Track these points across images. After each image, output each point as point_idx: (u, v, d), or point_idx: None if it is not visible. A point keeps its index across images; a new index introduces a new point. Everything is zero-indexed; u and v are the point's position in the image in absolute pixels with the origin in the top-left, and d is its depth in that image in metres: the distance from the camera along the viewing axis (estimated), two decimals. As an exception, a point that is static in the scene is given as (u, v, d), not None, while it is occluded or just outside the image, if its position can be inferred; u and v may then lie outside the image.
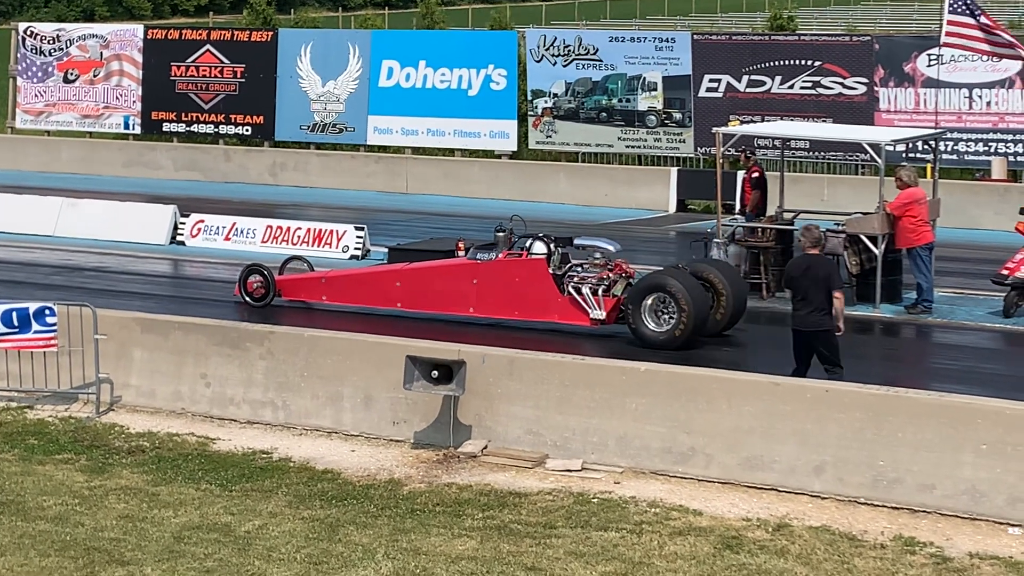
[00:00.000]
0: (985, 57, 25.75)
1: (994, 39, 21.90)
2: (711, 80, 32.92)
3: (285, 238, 25.58)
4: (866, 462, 13.27)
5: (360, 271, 20.92)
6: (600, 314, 18.45)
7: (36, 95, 40.01)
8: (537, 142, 35.12)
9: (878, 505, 13.17)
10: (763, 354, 18.28)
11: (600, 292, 18.49)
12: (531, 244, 18.91)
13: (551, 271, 18.72)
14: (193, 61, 38.23)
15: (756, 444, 13.71)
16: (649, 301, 17.96)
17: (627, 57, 33.88)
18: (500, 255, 19.01)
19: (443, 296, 19.24)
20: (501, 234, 19.10)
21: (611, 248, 18.99)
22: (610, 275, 18.61)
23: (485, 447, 14.72)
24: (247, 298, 20.55)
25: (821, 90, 31.86)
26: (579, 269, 18.79)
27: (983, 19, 21.93)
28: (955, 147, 30.59)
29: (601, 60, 34.14)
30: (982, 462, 12.84)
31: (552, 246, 18.88)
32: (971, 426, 12.94)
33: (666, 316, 17.86)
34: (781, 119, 30.46)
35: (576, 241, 19.35)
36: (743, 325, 19.12)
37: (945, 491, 12.98)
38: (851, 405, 13.43)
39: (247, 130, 37.86)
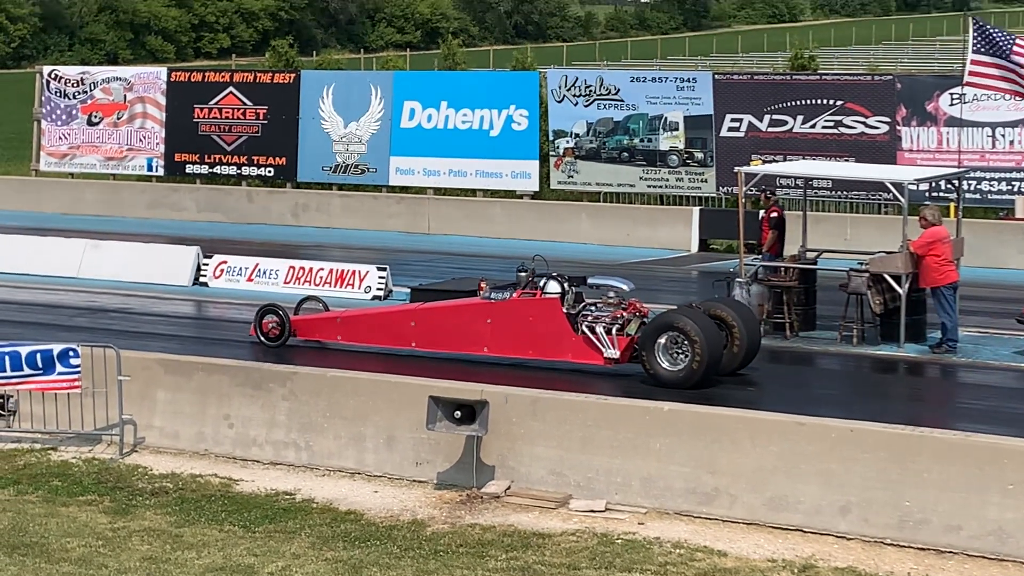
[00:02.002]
0: (1008, 96, 25.66)
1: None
2: (733, 120, 32.95)
3: (308, 279, 25.60)
4: (892, 503, 13.19)
5: (375, 311, 20.94)
6: (614, 353, 18.42)
7: (60, 138, 40.24)
8: (559, 182, 35.17)
9: (904, 546, 13.09)
10: (783, 393, 18.22)
11: (614, 331, 18.46)
12: (545, 283, 18.91)
13: (565, 310, 18.71)
14: (216, 103, 38.43)
15: (781, 484, 13.64)
16: (663, 340, 17.90)
17: (648, 97, 33.94)
18: (514, 294, 19.01)
19: (457, 336, 19.25)
20: (523, 274, 19.11)
21: (625, 287, 18.97)
22: (624, 314, 18.58)
23: (508, 487, 14.68)
24: (262, 338, 20.57)
25: (843, 129, 31.86)
26: (593, 308, 18.77)
27: (1016, 49, 21.60)
28: (978, 186, 30.55)
29: (622, 100, 34.21)
30: (1009, 502, 12.75)
31: (566, 285, 18.86)
32: (997, 466, 12.87)
33: (680, 355, 17.81)
34: (803, 158, 30.46)
35: (590, 280, 19.34)
36: (762, 364, 19.06)
37: (971, 532, 12.89)
38: (876, 445, 13.37)
39: (270, 171, 37.99)
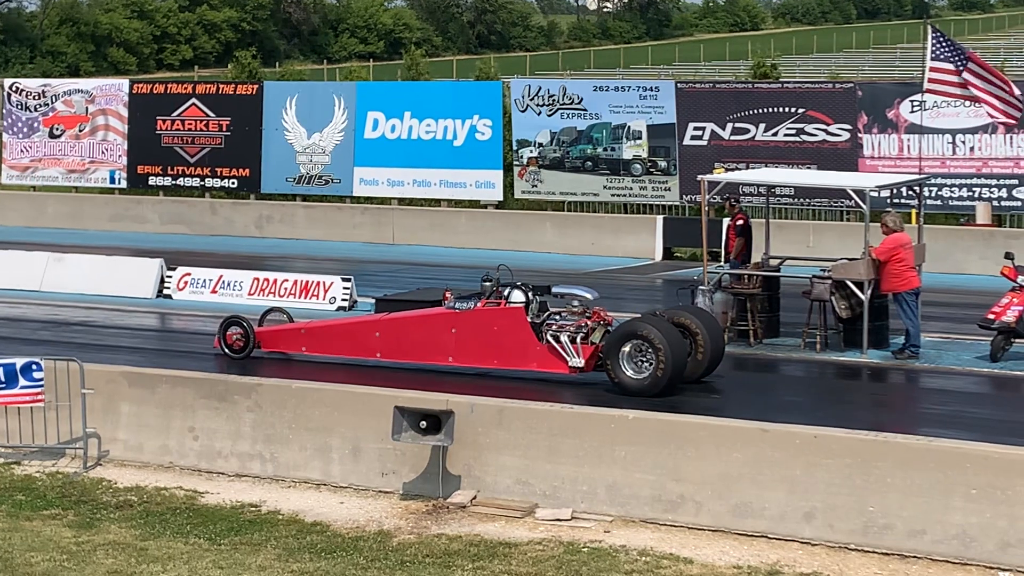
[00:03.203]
0: (968, 103, 25.82)
1: (982, 85, 21.81)
2: (695, 128, 33.07)
3: (272, 290, 25.56)
4: (856, 508, 13.26)
5: (339, 322, 20.90)
6: (579, 362, 18.43)
7: (22, 150, 40.07)
8: (523, 192, 35.22)
9: (868, 551, 13.15)
10: (747, 400, 18.28)
11: (579, 340, 18.47)
12: (509, 293, 18.92)
13: (529, 319, 18.71)
14: (179, 115, 38.33)
15: (746, 491, 13.69)
16: (627, 348, 17.92)
17: (612, 106, 34.04)
18: (478, 304, 19.02)
19: (422, 346, 19.25)
20: (488, 283, 19.11)
21: (589, 296, 18.98)
22: (588, 323, 18.61)
23: (474, 497, 14.69)
24: (227, 350, 20.52)
25: (805, 137, 32.01)
26: (557, 317, 18.79)
27: (972, 64, 21.84)
28: (939, 192, 30.73)
29: (586, 109, 34.30)
30: (972, 507, 12.83)
31: (530, 294, 18.88)
32: (960, 471, 12.94)
33: (644, 363, 17.84)
34: (766, 166, 30.58)
35: (554, 289, 19.34)
36: (727, 371, 19.12)
37: (935, 536, 12.97)
38: (840, 451, 13.43)
39: (233, 183, 37.91)
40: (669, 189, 33.42)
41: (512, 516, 14.26)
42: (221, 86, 39.31)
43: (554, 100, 34.67)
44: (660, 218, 32.41)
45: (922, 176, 24.90)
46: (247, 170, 37.60)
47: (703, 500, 13.85)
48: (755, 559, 13.04)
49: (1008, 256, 20.18)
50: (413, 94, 37.14)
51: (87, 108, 39.38)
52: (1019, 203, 30.55)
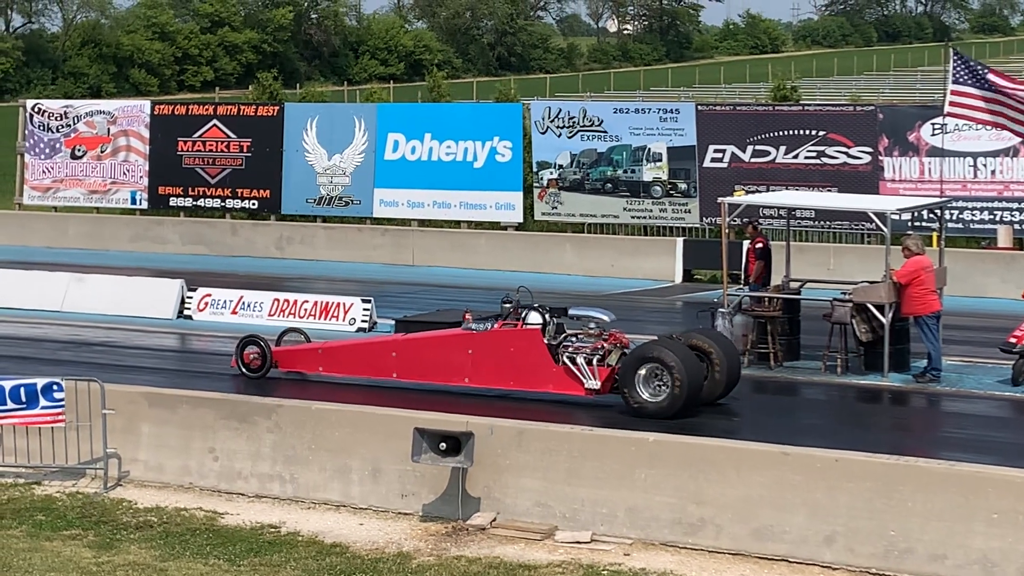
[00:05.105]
0: (989, 127, 25.74)
1: (1008, 104, 21.62)
2: (716, 150, 33.07)
3: (292, 311, 25.60)
4: (877, 532, 13.21)
5: (356, 342, 20.94)
6: (595, 384, 18.41)
7: (44, 171, 40.22)
8: (543, 213, 35.23)
9: (890, 575, 13.09)
10: (768, 423, 18.23)
11: (595, 362, 18.46)
12: (526, 314, 18.93)
13: (546, 341, 18.71)
14: (200, 136, 38.46)
15: (766, 514, 13.65)
16: (643, 371, 17.90)
17: (632, 128, 34.05)
18: (495, 325, 19.02)
19: (438, 366, 19.25)
20: (508, 305, 19.12)
21: (605, 318, 18.97)
22: (605, 345, 18.60)
23: (494, 519, 14.67)
24: (244, 370, 20.56)
25: (826, 159, 31.99)
26: (574, 339, 18.78)
27: (993, 79, 21.64)
28: (960, 215, 30.66)
29: (606, 131, 34.32)
30: (994, 531, 12.78)
31: (547, 316, 18.87)
32: (982, 495, 12.89)
33: (661, 386, 17.82)
34: (786, 189, 30.56)
35: (571, 311, 19.33)
36: (747, 394, 19.08)
37: (957, 561, 12.91)
38: (861, 475, 13.39)
39: (254, 204, 38.01)
40: (689, 211, 33.41)
41: (532, 538, 14.23)
42: (242, 107, 39.45)
43: (574, 122, 34.71)
44: (680, 240, 32.41)
45: (943, 199, 24.85)
46: (268, 191, 37.70)
47: (723, 523, 13.81)
48: (776, 583, 13.00)
49: (1030, 279, 20.12)
50: (433, 116, 37.21)
51: (109, 129, 39.53)
52: (1040, 226, 30.49)
